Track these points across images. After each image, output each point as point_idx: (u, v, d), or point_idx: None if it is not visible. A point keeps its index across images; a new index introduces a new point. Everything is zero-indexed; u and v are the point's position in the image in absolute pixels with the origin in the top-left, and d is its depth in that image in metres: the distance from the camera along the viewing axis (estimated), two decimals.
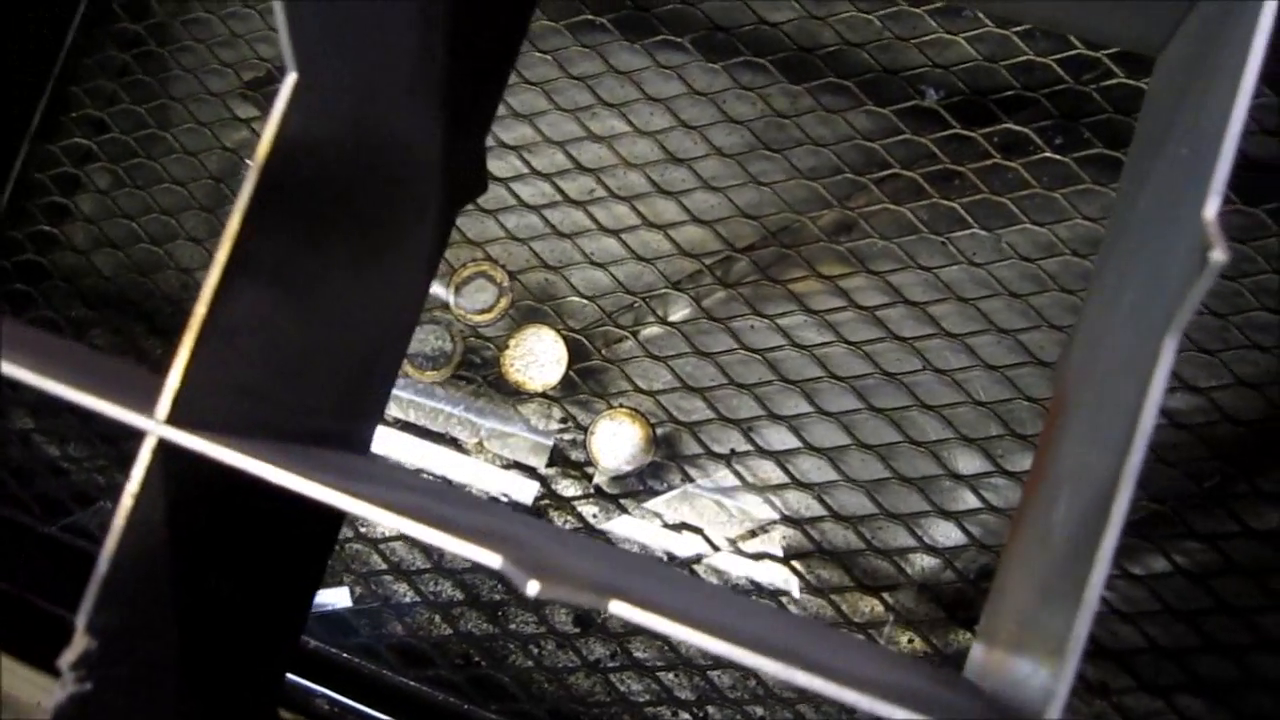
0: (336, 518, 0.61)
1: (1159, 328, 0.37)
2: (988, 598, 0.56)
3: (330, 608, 0.86)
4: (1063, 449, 0.49)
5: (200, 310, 0.42)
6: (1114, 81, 0.79)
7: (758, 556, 0.82)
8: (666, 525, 0.84)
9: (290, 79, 0.42)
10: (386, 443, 0.88)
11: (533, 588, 0.34)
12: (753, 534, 0.82)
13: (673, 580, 0.56)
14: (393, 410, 0.89)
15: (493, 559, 0.37)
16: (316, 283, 0.49)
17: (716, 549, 0.82)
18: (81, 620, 0.41)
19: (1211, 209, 0.35)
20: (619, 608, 0.37)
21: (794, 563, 0.81)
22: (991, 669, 0.48)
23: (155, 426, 0.41)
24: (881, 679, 0.42)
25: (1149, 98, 0.59)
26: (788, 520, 0.81)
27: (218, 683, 0.52)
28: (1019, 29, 0.81)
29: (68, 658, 0.41)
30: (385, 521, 0.38)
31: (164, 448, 0.42)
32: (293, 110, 0.43)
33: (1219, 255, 0.33)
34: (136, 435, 0.42)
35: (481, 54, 0.58)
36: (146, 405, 0.41)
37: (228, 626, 0.51)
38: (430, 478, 0.88)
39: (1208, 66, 0.43)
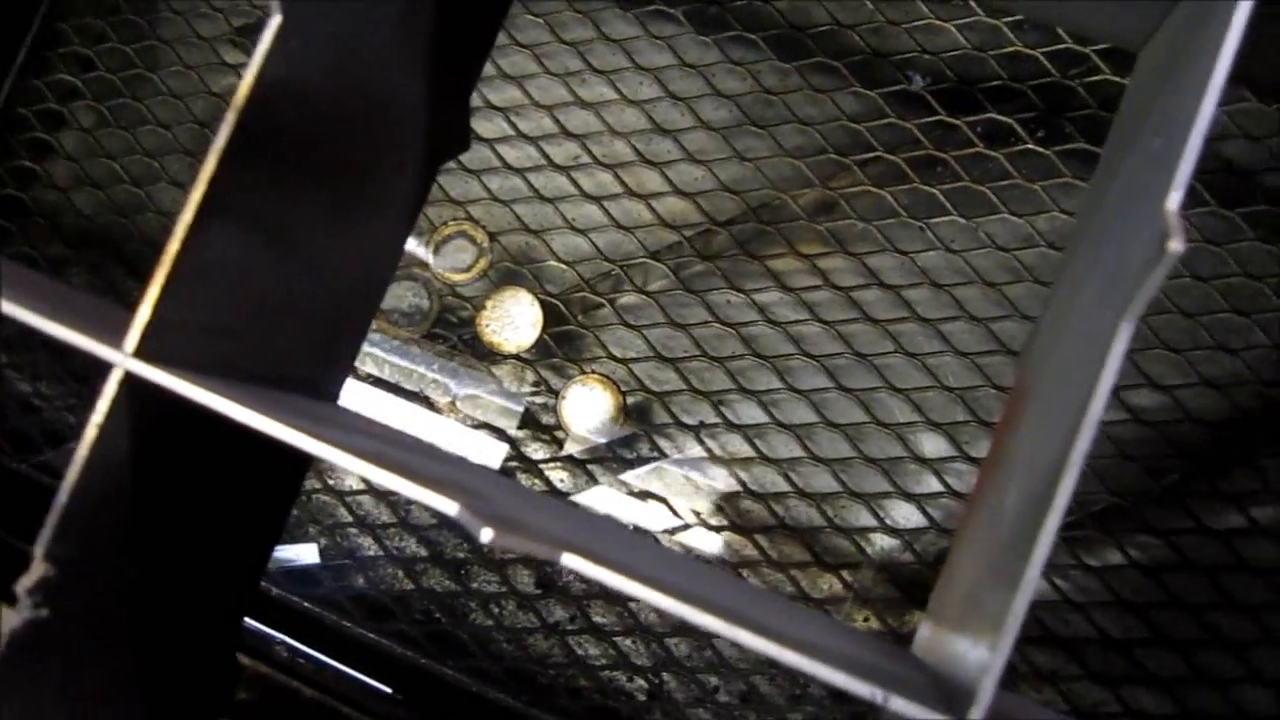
0: (301, 464, 0.61)
1: (1117, 313, 0.37)
2: (939, 578, 0.57)
3: (296, 562, 0.87)
4: (1018, 435, 0.50)
5: (173, 247, 0.42)
6: (1099, 78, 0.79)
7: (720, 529, 0.82)
8: (632, 494, 0.84)
9: (274, 21, 0.42)
10: (358, 398, 0.88)
11: (486, 534, 0.35)
12: (718, 507, 0.83)
13: (633, 543, 0.57)
14: (366, 366, 0.89)
15: (449, 505, 0.37)
16: (292, 228, 0.49)
17: (683, 522, 0.83)
18: (40, 548, 0.41)
19: (1174, 200, 0.36)
20: (571, 560, 0.38)
21: (757, 536, 0.82)
22: (935, 646, 0.49)
23: (123, 359, 0.42)
24: (827, 646, 0.43)
25: (1128, 93, 0.59)
26: (753, 495, 0.82)
27: (175, 620, 0.52)
28: (1009, 20, 0.81)
29: (24, 583, 0.42)
30: (345, 464, 0.38)
31: (130, 381, 0.42)
32: (275, 53, 0.43)
33: (1176, 245, 0.34)
34: (104, 368, 0.42)
35: (471, 10, 0.58)
36: (115, 338, 0.42)
37: (187, 564, 0.52)
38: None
39: (1184, 62, 0.44)
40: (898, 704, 0.36)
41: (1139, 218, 0.41)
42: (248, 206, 0.45)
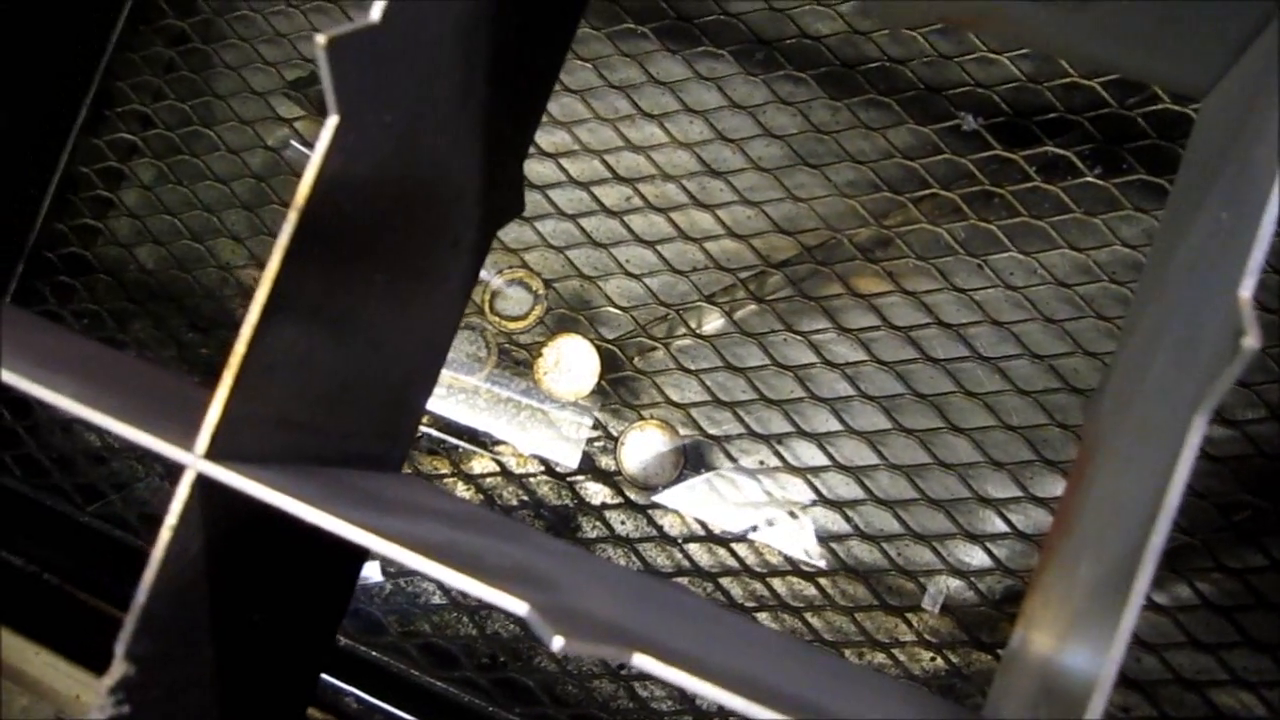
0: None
1: (1188, 402, 0.37)
2: (1014, 629, 0.57)
3: (363, 580, 0.87)
4: (1090, 496, 0.49)
5: (240, 349, 0.43)
6: (1159, 106, 0.78)
7: (782, 573, 0.82)
8: (692, 538, 0.84)
9: (331, 122, 0.43)
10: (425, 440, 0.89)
11: (557, 643, 0.35)
12: (778, 549, 0.83)
13: (696, 614, 0.57)
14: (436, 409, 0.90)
15: (518, 606, 0.37)
16: (354, 313, 0.50)
17: (743, 564, 0.82)
18: (120, 648, 0.42)
19: (1247, 288, 0.35)
20: (643, 661, 0.38)
21: (820, 579, 0.81)
22: (1011, 712, 0.48)
23: (194, 460, 0.42)
24: None
25: (1193, 141, 0.58)
26: (814, 536, 0.82)
27: (248, 698, 0.53)
28: None
29: (105, 682, 0.42)
30: (413, 564, 0.39)
31: (202, 481, 0.43)
32: (334, 152, 0.43)
33: (1251, 342, 0.33)
34: (176, 468, 0.43)
35: (522, 85, 0.58)
36: (186, 438, 0.42)
37: (260, 644, 0.52)
38: (463, 490, 0.89)
39: (1251, 130, 0.43)
40: None
41: (1208, 295, 0.40)
42: (311, 299, 0.45)
